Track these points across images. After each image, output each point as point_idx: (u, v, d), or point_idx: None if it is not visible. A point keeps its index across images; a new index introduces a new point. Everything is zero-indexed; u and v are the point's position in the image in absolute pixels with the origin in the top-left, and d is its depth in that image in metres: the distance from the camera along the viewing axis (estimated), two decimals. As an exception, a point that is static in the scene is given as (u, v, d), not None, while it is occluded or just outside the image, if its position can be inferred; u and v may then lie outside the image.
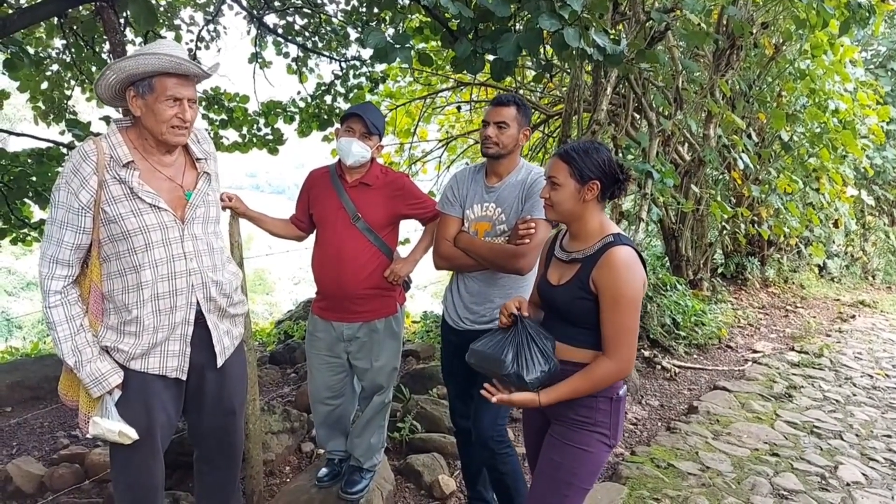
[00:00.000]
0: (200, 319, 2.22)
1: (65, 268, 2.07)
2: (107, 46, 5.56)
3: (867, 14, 4.94)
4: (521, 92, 8.71)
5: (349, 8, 6.72)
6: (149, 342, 2.12)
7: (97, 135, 2.26)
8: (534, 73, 7.21)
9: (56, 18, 5.38)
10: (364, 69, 7.25)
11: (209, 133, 3.58)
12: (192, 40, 6.86)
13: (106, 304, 2.14)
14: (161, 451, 2.23)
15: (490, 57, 3.23)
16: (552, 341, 2.05)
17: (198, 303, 2.19)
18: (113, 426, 2.07)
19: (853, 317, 9.17)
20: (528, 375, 1.96)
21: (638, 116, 6.77)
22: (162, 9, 6.58)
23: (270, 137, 7.12)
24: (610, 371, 1.96)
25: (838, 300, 10.37)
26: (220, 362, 2.29)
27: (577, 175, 2.00)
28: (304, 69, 7.26)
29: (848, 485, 3.94)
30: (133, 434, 2.09)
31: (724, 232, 8.71)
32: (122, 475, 2.22)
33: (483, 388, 2.07)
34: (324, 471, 3.21)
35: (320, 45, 7.18)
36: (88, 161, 2.03)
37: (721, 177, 8.08)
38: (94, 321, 2.13)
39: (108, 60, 5.53)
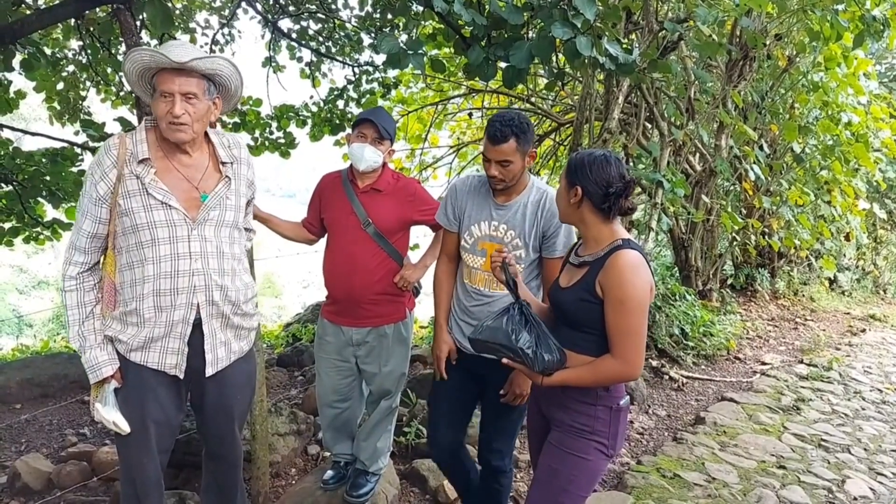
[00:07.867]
0: (202, 324, 2.21)
1: (82, 254, 2.15)
2: (122, 48, 5.61)
3: (881, 27, 4.94)
4: (532, 99, 8.72)
5: (363, 14, 6.75)
6: (147, 336, 2.14)
7: (128, 131, 2.30)
8: (546, 80, 7.21)
9: (73, 20, 5.43)
10: (377, 74, 7.27)
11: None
12: (206, 43, 6.92)
13: (117, 294, 2.19)
14: (154, 446, 2.21)
15: (502, 64, 3.24)
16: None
17: (198, 305, 2.18)
18: (108, 414, 2.12)
19: (863, 331, 9.11)
20: (548, 354, 1.99)
21: (649, 126, 6.77)
22: (178, 12, 6.63)
23: (283, 141, 7.14)
24: (614, 369, 1.96)
25: (849, 314, 10.30)
26: (209, 371, 2.24)
27: (567, 178, 2.07)
28: (317, 74, 7.29)
29: (855, 499, 3.91)
30: (124, 426, 2.13)
31: (735, 243, 8.68)
32: (122, 467, 2.27)
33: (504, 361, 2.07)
34: (329, 473, 3.22)
35: (334, 50, 7.21)
36: (110, 154, 2.11)
37: (732, 188, 8.05)
38: (107, 310, 2.18)
39: (124, 62, 5.57)
